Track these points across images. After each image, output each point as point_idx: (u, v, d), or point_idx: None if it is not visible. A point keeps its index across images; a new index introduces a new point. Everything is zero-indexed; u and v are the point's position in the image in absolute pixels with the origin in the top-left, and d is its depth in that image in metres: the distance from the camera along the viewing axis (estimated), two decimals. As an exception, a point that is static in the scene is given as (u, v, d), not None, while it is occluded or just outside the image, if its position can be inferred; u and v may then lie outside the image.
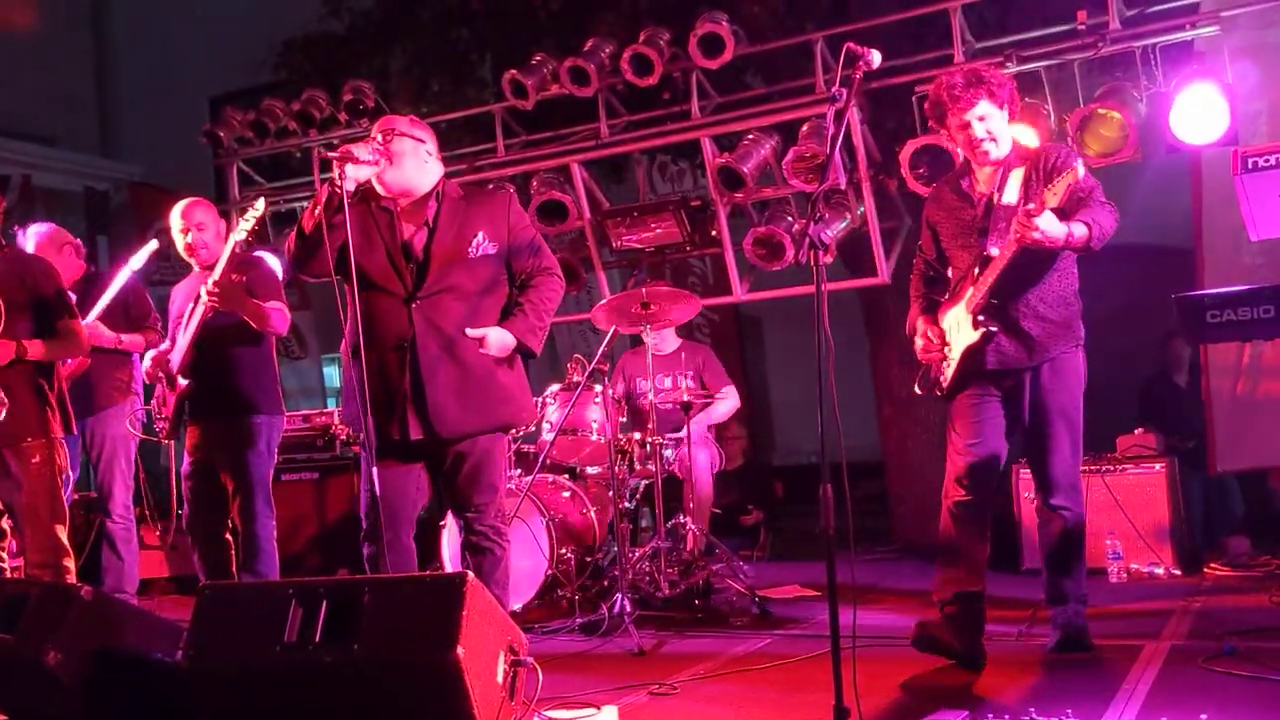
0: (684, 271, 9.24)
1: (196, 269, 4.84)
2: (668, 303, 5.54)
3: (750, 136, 6.41)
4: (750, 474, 8.17)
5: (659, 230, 6.86)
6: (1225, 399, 6.08)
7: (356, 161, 3.63)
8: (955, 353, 4.03)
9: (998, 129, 3.92)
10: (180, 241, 4.81)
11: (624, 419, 5.84)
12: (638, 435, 5.73)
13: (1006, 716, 3.15)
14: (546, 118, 7.42)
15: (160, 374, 4.70)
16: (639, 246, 7.01)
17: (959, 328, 4.02)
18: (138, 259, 5.08)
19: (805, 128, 6.15)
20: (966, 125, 3.91)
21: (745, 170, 6.28)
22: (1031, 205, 3.63)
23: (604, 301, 5.65)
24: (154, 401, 4.82)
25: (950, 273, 4.15)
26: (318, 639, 2.93)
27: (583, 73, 6.60)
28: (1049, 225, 3.61)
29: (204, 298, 4.48)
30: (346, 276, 3.65)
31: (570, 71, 6.63)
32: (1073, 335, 4.02)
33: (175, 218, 4.82)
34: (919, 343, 4.15)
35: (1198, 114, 5.35)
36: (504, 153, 7.24)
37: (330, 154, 3.62)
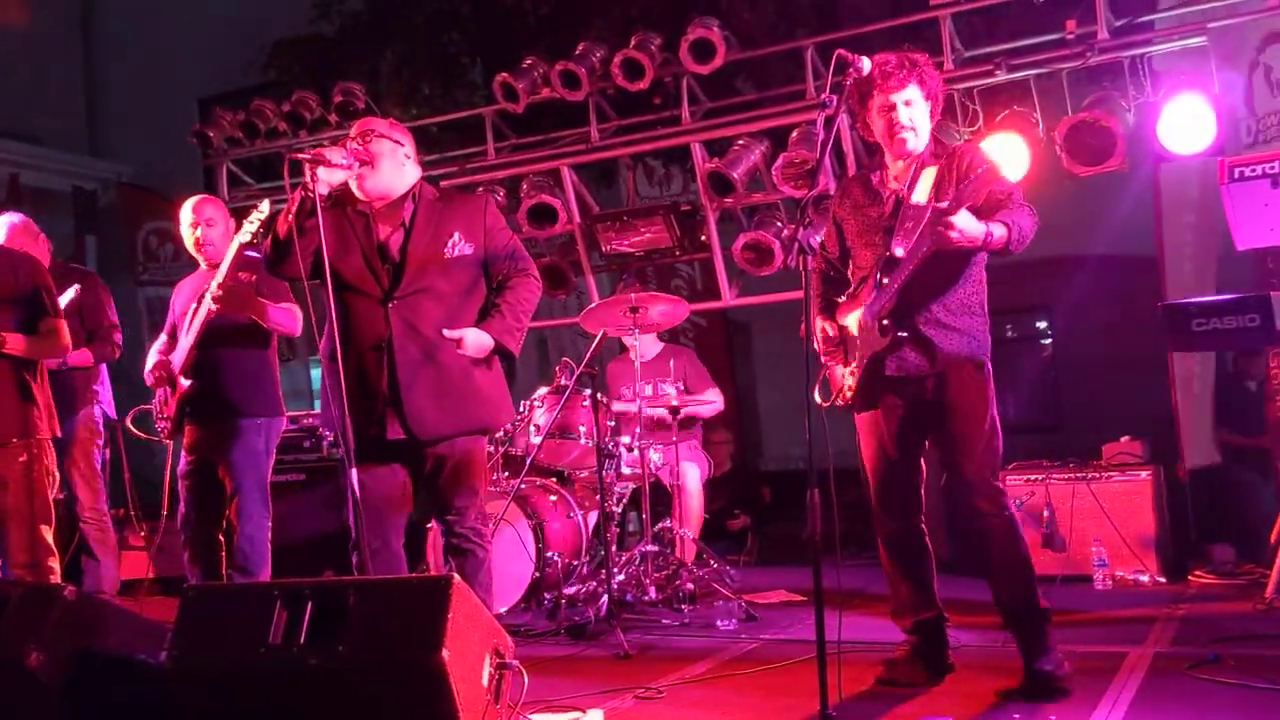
0: (669, 276, 9.24)
1: (203, 266, 4.80)
2: (657, 307, 5.54)
3: (740, 142, 6.42)
4: (738, 479, 8.17)
5: (648, 235, 6.87)
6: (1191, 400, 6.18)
7: (329, 165, 3.62)
8: (857, 359, 3.78)
9: (920, 119, 3.69)
10: (189, 237, 4.78)
11: (611, 423, 5.84)
12: (626, 439, 5.74)
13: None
14: (537, 121, 7.42)
15: (162, 374, 4.67)
16: (628, 251, 7.02)
17: (861, 332, 3.76)
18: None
19: (795, 134, 6.17)
20: (891, 107, 3.65)
21: (735, 175, 6.29)
22: (945, 203, 3.42)
23: (593, 305, 5.64)
24: (155, 401, 4.79)
25: (851, 272, 3.88)
26: (303, 641, 2.92)
27: (573, 76, 6.61)
28: (966, 224, 3.40)
29: (208, 301, 4.45)
30: (322, 280, 3.63)
31: (561, 75, 6.63)
32: (978, 346, 3.71)
33: (185, 213, 4.80)
34: (817, 345, 3.88)
35: (1185, 124, 5.38)
36: (494, 156, 7.23)
37: (302, 156, 3.59)
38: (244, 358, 4.67)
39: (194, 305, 4.61)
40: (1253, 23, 5.41)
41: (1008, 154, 5.58)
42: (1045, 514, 5.85)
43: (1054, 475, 5.94)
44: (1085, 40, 5.67)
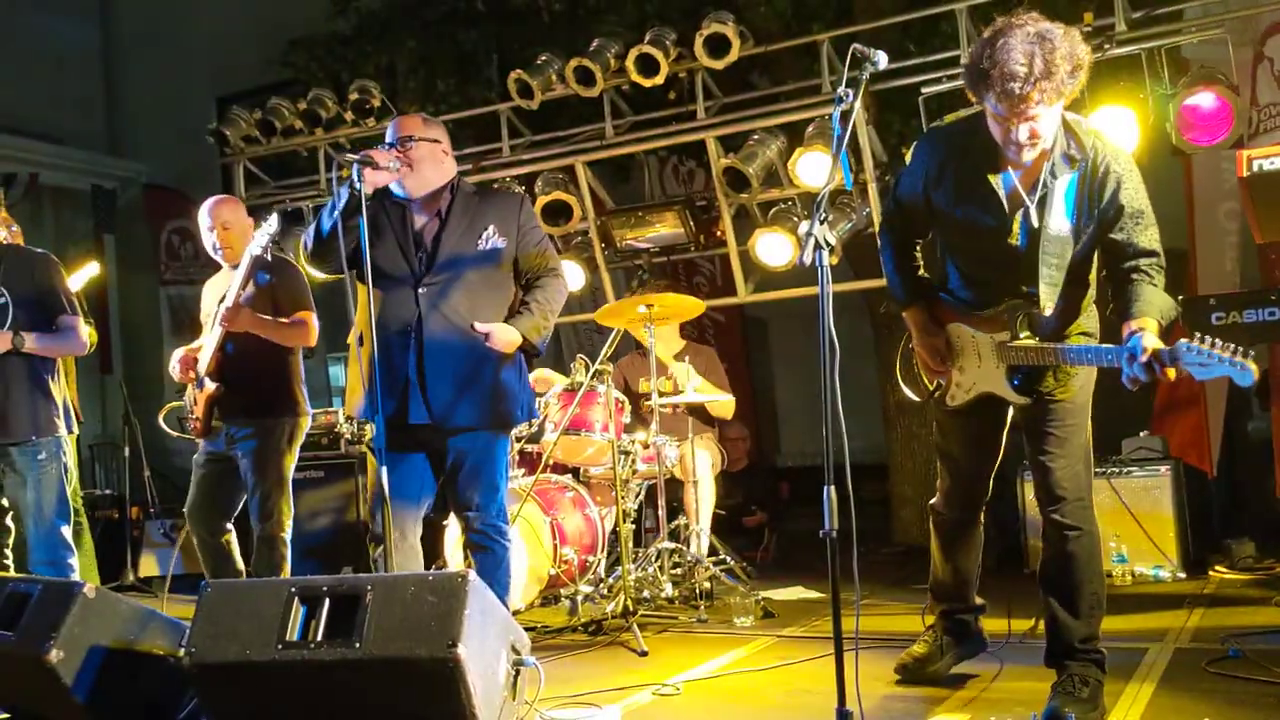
0: (692, 272, 9.24)
1: (225, 267, 4.82)
2: (672, 304, 5.54)
3: (756, 137, 6.40)
4: (755, 475, 8.14)
5: (663, 231, 6.86)
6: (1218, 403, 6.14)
7: (376, 167, 3.70)
8: (970, 381, 3.49)
9: (1048, 126, 3.11)
10: (206, 239, 4.80)
11: (627, 420, 5.85)
12: (641, 436, 5.74)
13: (1035, 715, 3.13)
14: (552, 118, 7.42)
15: (190, 374, 4.69)
16: (643, 247, 7.01)
17: (979, 356, 3.46)
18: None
19: (811, 128, 6.15)
20: (1013, 122, 3.08)
21: (750, 171, 6.28)
22: (1139, 359, 2.96)
23: (609, 304, 5.64)
24: (185, 400, 4.81)
25: (965, 283, 3.51)
26: (320, 637, 2.94)
27: (588, 72, 6.60)
28: (1148, 340, 2.99)
29: (222, 312, 4.48)
30: (360, 272, 3.69)
31: (576, 71, 6.62)
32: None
33: (202, 215, 4.81)
34: (925, 355, 3.58)
35: (1203, 116, 5.33)
36: (509, 153, 7.24)
37: (350, 157, 3.65)
38: (267, 358, 4.68)
39: (217, 307, 4.63)
40: (1257, 15, 5.38)
41: (1115, 132, 5.42)
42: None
43: (1073, 470, 5.90)
44: (1103, 32, 5.63)
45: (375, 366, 3.62)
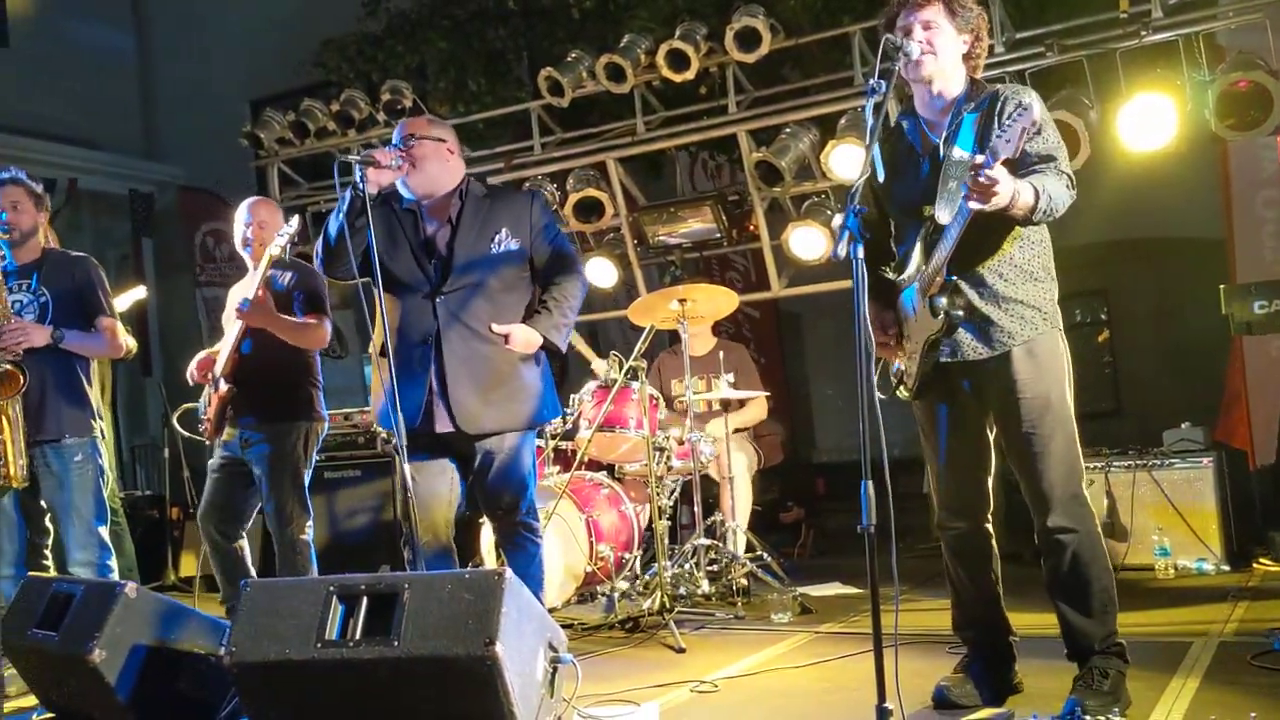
0: (725, 268, 9.21)
1: (250, 266, 4.84)
2: (705, 298, 5.52)
3: (788, 130, 6.38)
4: (790, 471, 8.11)
5: (695, 226, 6.84)
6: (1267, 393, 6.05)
7: (379, 167, 3.68)
8: (915, 345, 3.37)
9: (944, 45, 3.23)
10: (239, 234, 4.82)
11: (661, 416, 5.84)
12: (675, 432, 5.72)
13: (1051, 716, 3.09)
14: (583, 115, 7.42)
15: (207, 376, 4.73)
16: (675, 242, 7.00)
17: (913, 314, 3.37)
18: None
19: (843, 120, 6.12)
20: (908, 30, 3.22)
21: (783, 164, 6.25)
22: (980, 156, 2.89)
23: (641, 298, 5.63)
24: (201, 401, 4.85)
25: (894, 244, 3.47)
26: (358, 636, 2.95)
27: (619, 69, 6.60)
28: (1004, 181, 2.90)
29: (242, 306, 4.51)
30: (372, 277, 3.68)
31: (606, 68, 6.62)
32: (1043, 319, 3.26)
33: (240, 211, 4.85)
34: (875, 332, 3.32)
35: (1240, 103, 5.25)
36: (540, 150, 7.24)
37: (351, 158, 3.64)
38: (283, 361, 4.70)
39: (236, 310, 4.66)
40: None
41: (1152, 119, 5.44)
42: (1105, 502, 5.76)
43: (1114, 463, 5.86)
44: (1139, 19, 5.55)
45: (393, 385, 3.57)
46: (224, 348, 4.69)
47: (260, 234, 4.77)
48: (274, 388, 4.68)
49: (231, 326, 4.65)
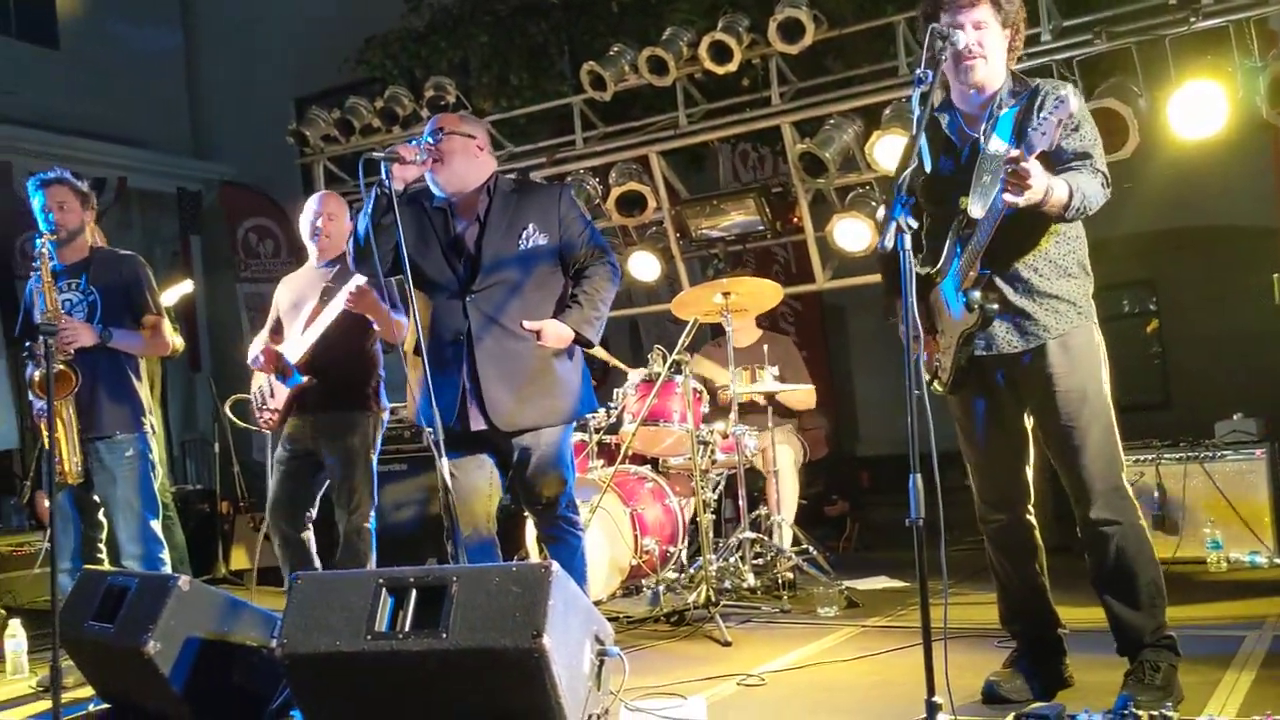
0: (768, 260, 9.18)
1: (312, 260, 4.87)
2: (749, 292, 5.50)
3: (832, 121, 6.35)
4: (835, 464, 8.08)
5: (738, 219, 6.82)
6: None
7: (403, 162, 3.67)
8: (950, 339, 3.35)
9: (992, 45, 3.20)
10: (307, 226, 4.84)
11: (706, 410, 5.83)
12: (720, 426, 5.71)
13: (1104, 711, 3.06)
14: (625, 108, 7.42)
15: (274, 368, 4.72)
16: (718, 235, 6.98)
17: (947, 308, 3.35)
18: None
19: (888, 111, 6.07)
20: (959, 28, 3.17)
21: (827, 155, 6.22)
22: (1016, 150, 2.91)
23: (684, 292, 5.62)
24: (255, 391, 4.87)
25: (925, 236, 3.44)
26: (407, 628, 2.97)
27: (661, 62, 6.59)
28: (1038, 176, 2.90)
29: (341, 299, 4.45)
30: (403, 275, 3.68)
31: (649, 61, 6.61)
32: (1079, 313, 3.25)
33: (311, 202, 4.89)
34: (917, 325, 3.34)
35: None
36: (583, 145, 7.25)
37: (377, 155, 3.64)
38: (354, 353, 4.73)
39: (314, 302, 4.68)
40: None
41: (1202, 107, 5.35)
42: (1156, 495, 5.70)
43: (1164, 455, 5.79)
44: (1189, 4, 5.46)
45: (427, 376, 3.57)
46: (301, 339, 4.67)
47: (330, 225, 4.81)
48: (348, 378, 4.71)
49: (309, 319, 4.67)
